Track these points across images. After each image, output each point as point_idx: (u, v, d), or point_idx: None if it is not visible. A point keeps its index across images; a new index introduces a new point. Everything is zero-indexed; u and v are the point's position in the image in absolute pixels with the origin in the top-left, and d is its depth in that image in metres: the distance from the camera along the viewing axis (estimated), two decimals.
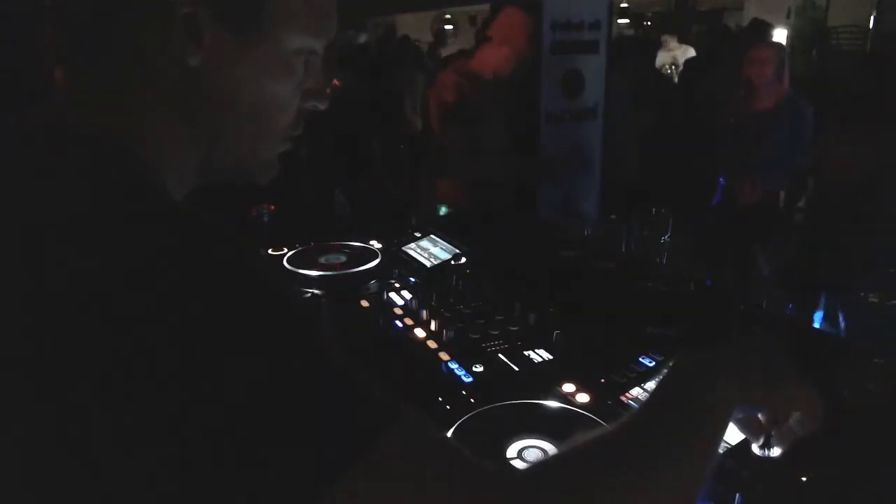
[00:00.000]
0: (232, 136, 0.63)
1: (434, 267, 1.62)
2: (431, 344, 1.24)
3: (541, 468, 0.58)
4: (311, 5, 0.62)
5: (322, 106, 0.69)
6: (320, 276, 1.54)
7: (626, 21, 10.20)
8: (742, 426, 0.76)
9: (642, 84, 3.90)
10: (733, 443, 0.93)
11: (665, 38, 7.08)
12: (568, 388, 1.07)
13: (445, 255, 1.66)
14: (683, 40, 7.47)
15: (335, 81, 3.31)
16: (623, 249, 1.68)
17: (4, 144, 0.55)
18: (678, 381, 0.63)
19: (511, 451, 0.92)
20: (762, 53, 3.27)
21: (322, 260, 1.62)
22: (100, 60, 0.58)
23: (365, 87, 4.49)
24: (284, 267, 1.57)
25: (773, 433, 0.74)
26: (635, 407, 1.00)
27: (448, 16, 9.18)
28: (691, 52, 6.98)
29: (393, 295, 1.46)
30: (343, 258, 1.64)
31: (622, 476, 0.52)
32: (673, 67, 6.71)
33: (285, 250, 1.67)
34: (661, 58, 6.46)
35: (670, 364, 0.65)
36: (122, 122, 0.57)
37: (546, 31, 3.44)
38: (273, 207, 1.99)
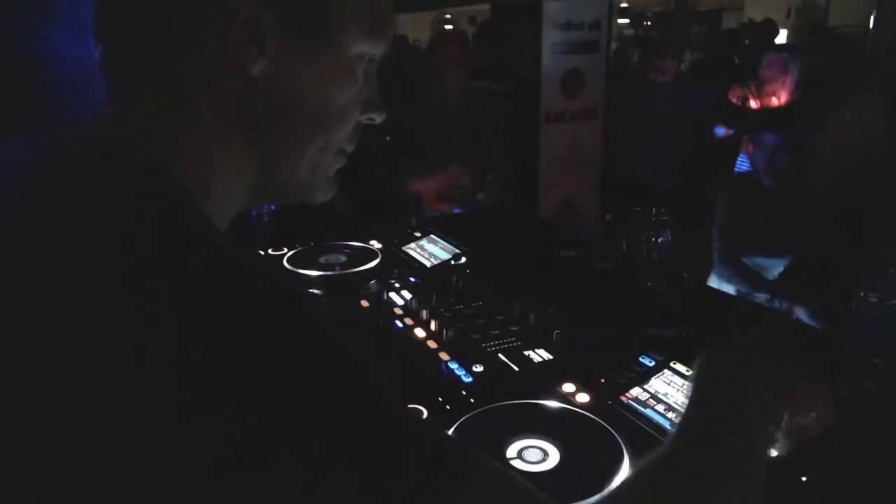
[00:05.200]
0: (293, 150, 0.60)
1: (434, 267, 1.62)
2: (431, 344, 1.24)
3: None
4: (374, 10, 0.60)
5: (379, 119, 0.66)
6: (320, 276, 1.54)
7: (626, 21, 10.19)
8: None
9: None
10: None
11: None
12: (568, 388, 1.07)
13: (445, 255, 1.65)
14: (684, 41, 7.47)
15: None
16: (623, 249, 1.68)
17: (35, 169, 0.51)
18: (717, 401, 0.61)
19: (511, 451, 0.92)
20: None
21: (322, 260, 1.62)
22: (153, 70, 0.54)
23: None
24: (286, 268, 1.57)
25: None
26: (636, 407, 1.01)
27: (448, 16, 9.17)
28: None
29: (393, 295, 1.45)
30: (343, 258, 1.64)
31: None
32: None
33: (285, 250, 1.67)
34: None
35: (697, 380, 0.64)
36: (170, 145, 0.54)
37: (546, 31, 3.45)
38: (273, 207, 1.98)
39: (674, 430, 0.60)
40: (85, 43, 0.55)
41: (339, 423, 0.43)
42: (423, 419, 0.45)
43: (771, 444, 0.62)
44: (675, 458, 0.56)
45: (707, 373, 0.65)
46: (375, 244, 1.74)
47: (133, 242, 0.45)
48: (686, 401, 0.63)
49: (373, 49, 0.61)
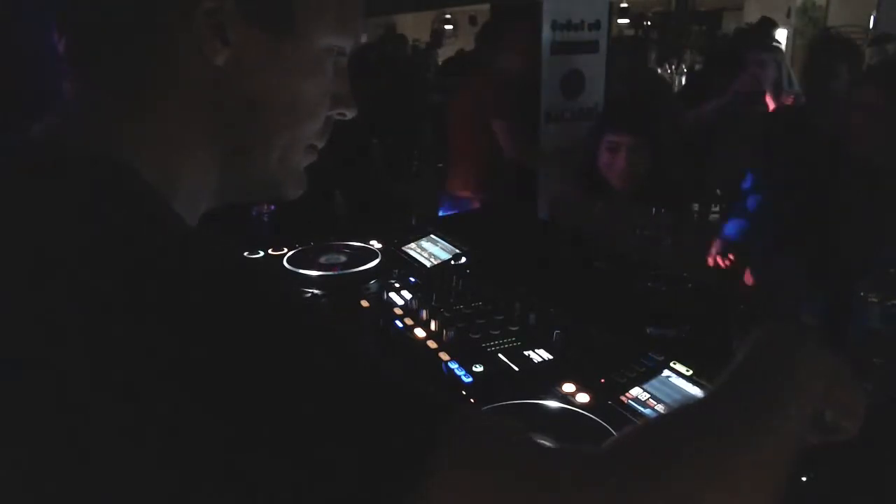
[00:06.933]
0: (260, 145, 0.59)
1: (434, 267, 1.62)
2: (431, 344, 1.24)
3: (618, 444, 0.55)
4: (339, 2, 0.59)
5: (350, 114, 0.66)
6: (320, 276, 1.54)
7: (626, 21, 10.19)
8: None
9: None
10: None
11: None
12: (568, 388, 1.07)
13: (445, 255, 1.65)
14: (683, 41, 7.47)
15: None
16: (624, 249, 1.68)
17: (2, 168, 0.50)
18: (766, 365, 0.58)
19: None
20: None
21: (322, 260, 1.62)
22: (116, 62, 0.54)
23: (365, 87, 4.49)
24: (286, 269, 1.57)
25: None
26: (636, 407, 1.01)
27: (448, 16, 9.17)
28: None
29: (393, 295, 1.45)
30: (343, 258, 1.64)
31: (697, 459, 0.49)
32: (672, 68, 6.71)
33: (285, 250, 1.67)
34: None
35: (753, 343, 0.60)
36: (135, 139, 0.53)
37: (546, 31, 3.44)
38: (273, 207, 1.99)
39: (717, 383, 0.57)
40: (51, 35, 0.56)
41: (319, 381, 0.42)
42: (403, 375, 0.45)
43: (805, 427, 0.58)
44: (710, 405, 0.55)
45: (763, 339, 0.61)
46: (375, 244, 1.73)
47: (96, 238, 0.45)
48: (735, 363, 0.59)
49: (340, 42, 0.61)
